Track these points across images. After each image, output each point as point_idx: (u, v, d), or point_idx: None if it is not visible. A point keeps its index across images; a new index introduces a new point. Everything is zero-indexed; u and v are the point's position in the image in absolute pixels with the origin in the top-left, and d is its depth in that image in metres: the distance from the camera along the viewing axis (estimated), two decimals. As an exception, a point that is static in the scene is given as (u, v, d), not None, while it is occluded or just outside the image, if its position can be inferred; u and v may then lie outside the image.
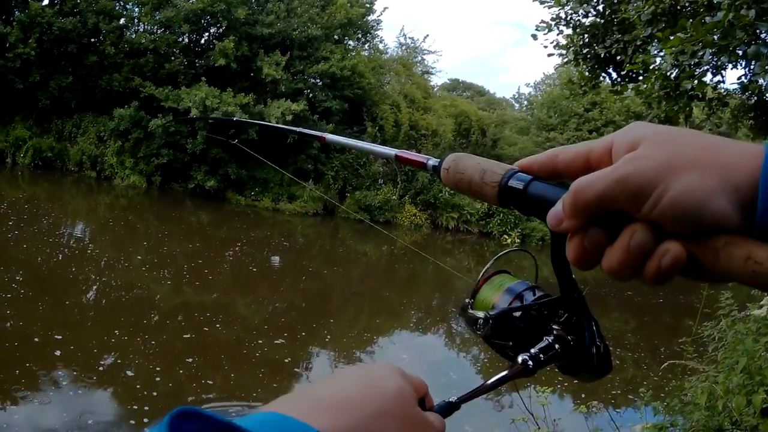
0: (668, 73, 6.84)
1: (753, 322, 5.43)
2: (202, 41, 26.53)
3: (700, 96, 7.64)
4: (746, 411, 3.92)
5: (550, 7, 9.48)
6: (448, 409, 0.75)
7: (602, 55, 9.25)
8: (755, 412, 3.87)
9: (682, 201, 0.54)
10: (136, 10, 25.93)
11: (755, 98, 8.84)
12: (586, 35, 9.41)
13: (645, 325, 15.32)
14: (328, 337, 10.70)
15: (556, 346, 0.77)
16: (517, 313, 0.80)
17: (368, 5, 29.27)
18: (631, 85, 9.10)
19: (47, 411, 6.31)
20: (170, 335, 9.28)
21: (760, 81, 6.82)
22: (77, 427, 6.10)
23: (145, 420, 6.44)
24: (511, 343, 0.80)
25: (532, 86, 53.42)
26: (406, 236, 23.94)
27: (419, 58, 39.52)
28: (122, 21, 25.50)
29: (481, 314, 0.81)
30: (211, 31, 26.16)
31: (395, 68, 33.23)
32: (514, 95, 60.08)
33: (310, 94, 25.99)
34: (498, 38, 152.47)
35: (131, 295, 11.07)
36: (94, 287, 11.43)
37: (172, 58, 25.34)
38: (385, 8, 39.67)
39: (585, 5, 9.14)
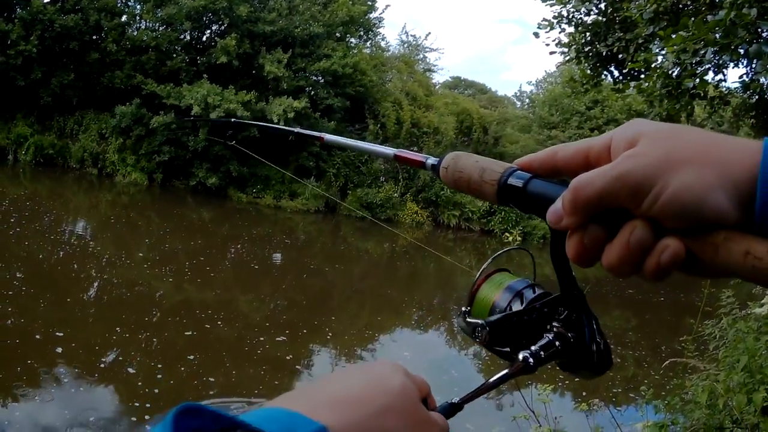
0: (670, 72, 6.83)
1: (754, 321, 5.44)
2: (204, 38, 26.50)
3: (702, 94, 7.64)
4: (747, 409, 3.92)
5: (552, 5, 9.46)
6: (451, 409, 0.75)
7: (604, 54, 9.24)
8: (756, 411, 3.87)
9: (681, 197, 0.54)
10: (138, 7, 25.91)
11: (756, 97, 8.83)
12: (588, 33, 9.39)
13: (646, 323, 15.31)
14: (330, 334, 10.71)
15: (557, 343, 0.77)
16: (515, 318, 0.81)
17: (370, 3, 29.28)
18: (632, 84, 9.10)
19: (48, 408, 6.31)
20: (171, 332, 9.29)
21: (762, 80, 6.82)
22: (78, 425, 6.11)
23: (146, 417, 6.45)
24: (508, 349, 0.81)
25: (533, 84, 53.59)
26: (407, 234, 23.93)
27: (421, 56, 39.46)
28: (124, 18, 25.45)
29: (478, 322, 0.81)
30: (213, 28, 26.14)
31: (397, 66, 33.20)
32: (515, 93, 60.22)
33: (312, 92, 25.98)
34: (500, 36, 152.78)
35: (133, 293, 11.08)
36: (96, 284, 11.45)
37: (174, 55, 25.33)
38: (387, 6, 39.80)
39: (587, 3, 9.13)
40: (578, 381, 8.97)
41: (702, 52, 5.87)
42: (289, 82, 24.43)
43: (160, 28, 25.74)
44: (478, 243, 25.60)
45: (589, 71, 9.90)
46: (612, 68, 9.82)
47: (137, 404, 6.75)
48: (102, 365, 7.65)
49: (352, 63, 26.14)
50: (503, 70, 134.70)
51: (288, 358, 9.14)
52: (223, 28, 25.17)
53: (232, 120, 5.42)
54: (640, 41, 8.34)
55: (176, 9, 24.03)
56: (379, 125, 27.89)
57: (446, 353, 11.26)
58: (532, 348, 0.76)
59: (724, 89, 8.62)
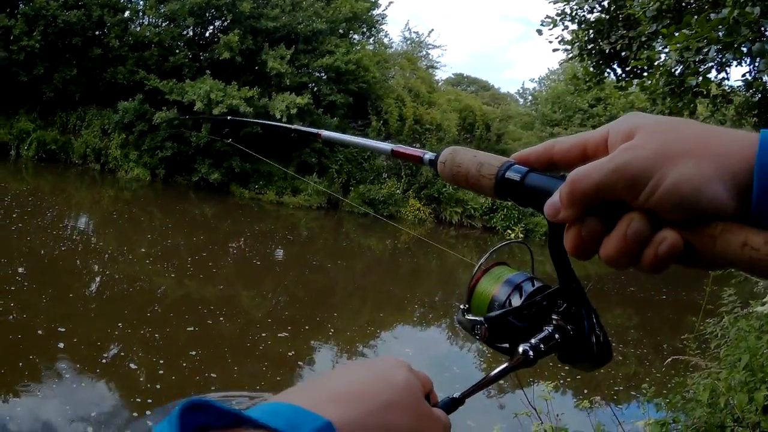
0: (673, 70, 6.83)
1: (756, 319, 5.44)
2: (207, 34, 26.46)
3: (705, 93, 7.64)
4: (748, 408, 3.92)
5: (555, 2, 9.47)
6: (452, 405, 0.75)
7: (607, 51, 9.24)
8: (757, 409, 3.88)
9: (679, 189, 0.54)
10: (141, 3, 25.88)
11: (759, 95, 8.82)
12: (591, 31, 9.39)
13: (648, 321, 15.31)
14: (332, 330, 10.72)
15: (556, 335, 0.77)
16: (514, 314, 0.81)
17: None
18: (635, 81, 9.10)
19: (50, 403, 6.33)
20: (173, 328, 9.29)
21: (765, 78, 6.80)
22: (80, 420, 6.12)
23: (147, 413, 6.47)
24: (507, 345, 0.81)
25: (536, 81, 53.42)
26: (411, 229, 23.92)
27: (424, 53, 39.41)
28: (127, 14, 25.42)
29: (477, 319, 0.81)
30: (216, 24, 26.09)
31: (400, 62, 33.16)
32: (518, 90, 60.00)
33: (315, 88, 25.97)
34: (502, 33, 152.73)
35: (134, 288, 11.09)
36: (98, 280, 11.46)
37: (177, 51, 25.30)
38: (390, 2, 39.69)
39: (590, 1, 9.13)
40: (580, 378, 9.00)
41: (705, 50, 5.87)
42: (291, 78, 24.40)
43: (163, 24, 25.71)
44: (480, 240, 25.58)
45: (592, 69, 9.90)
46: (615, 66, 9.82)
47: (139, 399, 6.76)
48: (104, 360, 7.67)
49: (355, 59, 26.11)
50: (506, 68, 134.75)
51: (290, 354, 9.15)
52: (226, 24, 25.12)
53: (229, 118, 5.43)
54: (643, 39, 8.35)
55: (179, 5, 24.02)
56: (381, 122, 27.87)
57: (448, 350, 11.27)
58: (532, 341, 0.76)
59: (727, 87, 8.63)
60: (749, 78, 7.67)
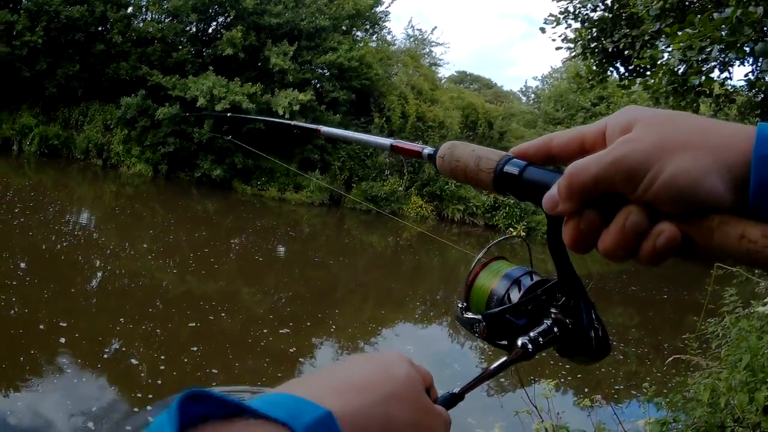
0: (676, 69, 6.83)
1: (757, 319, 5.44)
2: (210, 30, 26.47)
3: (708, 92, 7.64)
4: (748, 408, 3.92)
5: (558, 0, 9.47)
6: (452, 400, 0.76)
7: (610, 50, 9.24)
8: (758, 410, 3.87)
9: (677, 181, 0.54)
10: (144, -1, 25.92)
11: (762, 95, 8.81)
12: (594, 29, 9.40)
13: (649, 320, 15.29)
14: (333, 327, 10.72)
15: (555, 329, 0.77)
16: (512, 310, 0.81)
17: (376, -4, 29.24)
18: (638, 80, 9.10)
19: (51, 398, 6.34)
20: (175, 324, 9.30)
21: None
22: (81, 414, 6.12)
23: (149, 408, 6.47)
24: (505, 342, 0.81)
25: (539, 80, 53.34)
26: (414, 225, 23.93)
27: (427, 50, 39.43)
28: (130, 9, 25.40)
29: (475, 317, 0.81)
30: (219, 20, 26.11)
31: (403, 60, 33.17)
32: (521, 88, 59.96)
33: (318, 85, 25.99)
34: (505, 31, 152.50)
35: (136, 284, 11.10)
36: (100, 275, 11.47)
37: (180, 47, 25.29)
38: (393, -1, 39.66)
39: (593, -1, 9.13)
40: (581, 377, 9.00)
41: (708, 49, 5.87)
42: (294, 74, 24.42)
43: (166, 20, 25.69)
44: (482, 238, 25.55)
45: (595, 67, 9.91)
46: (618, 64, 9.82)
47: (140, 395, 6.77)
48: (105, 356, 7.68)
49: (358, 56, 26.12)
50: (509, 66, 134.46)
51: (291, 350, 9.16)
52: (229, 20, 25.15)
53: (229, 114, 5.41)
54: (647, 38, 8.34)
55: (182, 1, 24.03)
56: (384, 119, 27.87)
57: (449, 347, 11.27)
58: (531, 334, 0.77)
59: (730, 87, 8.62)
60: (752, 78, 7.66)
